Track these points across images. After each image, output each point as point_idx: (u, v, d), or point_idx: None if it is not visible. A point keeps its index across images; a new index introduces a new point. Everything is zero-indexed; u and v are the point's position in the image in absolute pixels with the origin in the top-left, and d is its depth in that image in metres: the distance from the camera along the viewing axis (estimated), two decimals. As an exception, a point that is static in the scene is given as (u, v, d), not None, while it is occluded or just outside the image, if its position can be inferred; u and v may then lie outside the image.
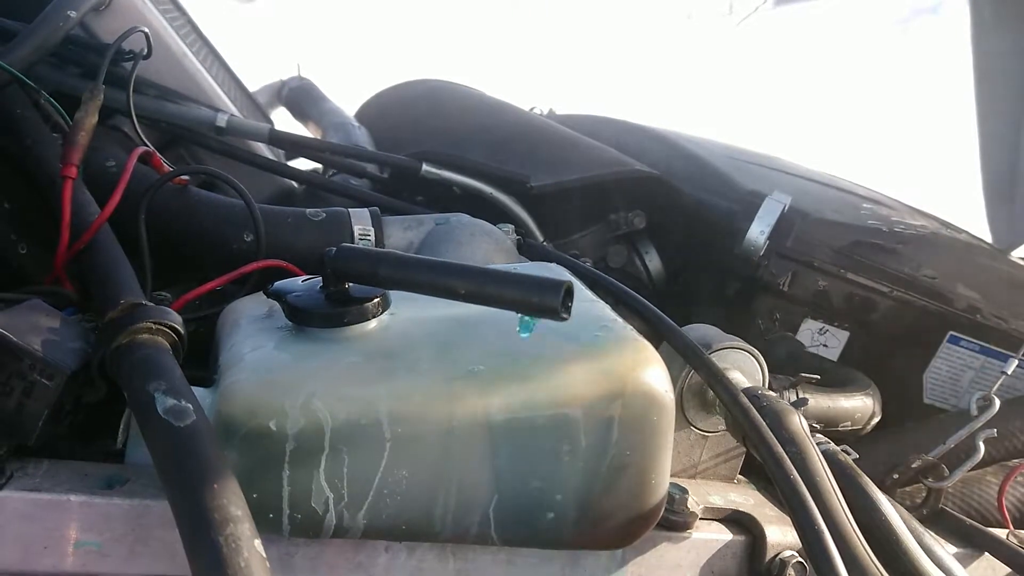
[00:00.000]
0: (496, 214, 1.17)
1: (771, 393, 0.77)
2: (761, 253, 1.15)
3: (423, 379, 0.61)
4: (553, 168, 1.26)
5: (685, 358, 0.80)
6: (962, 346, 1.29)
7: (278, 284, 0.70)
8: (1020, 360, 1.14)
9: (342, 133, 1.48)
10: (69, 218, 0.73)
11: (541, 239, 1.19)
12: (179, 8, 1.36)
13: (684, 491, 0.77)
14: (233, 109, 1.16)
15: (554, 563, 0.71)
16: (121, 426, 0.63)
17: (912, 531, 0.76)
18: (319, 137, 1.70)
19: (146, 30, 1.00)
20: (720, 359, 0.83)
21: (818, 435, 0.79)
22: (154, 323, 0.60)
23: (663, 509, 0.71)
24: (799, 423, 0.73)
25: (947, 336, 1.28)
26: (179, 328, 0.62)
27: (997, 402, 0.95)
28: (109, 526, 0.60)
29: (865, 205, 1.39)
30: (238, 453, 0.57)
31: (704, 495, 0.81)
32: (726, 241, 1.18)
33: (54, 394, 0.59)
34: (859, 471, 0.75)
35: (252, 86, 1.73)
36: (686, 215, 1.28)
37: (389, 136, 1.63)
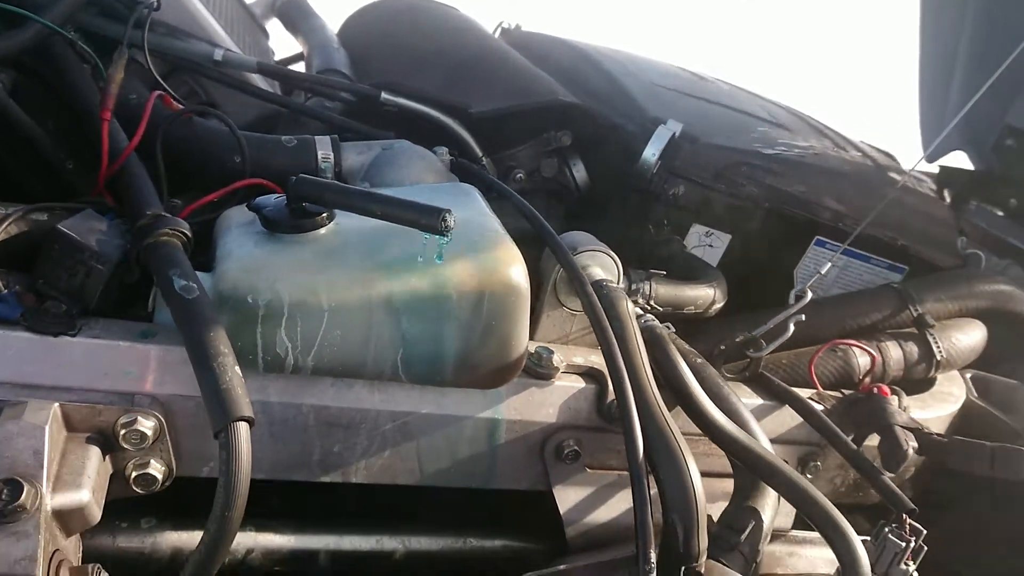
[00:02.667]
0: (444, 136, 1.44)
1: (614, 284, 1.07)
2: (654, 171, 1.43)
3: (350, 271, 0.91)
4: (493, 94, 1.51)
5: (556, 256, 1.09)
6: (827, 248, 1.58)
7: (257, 200, 0.98)
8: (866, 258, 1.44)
9: (323, 56, 1.72)
10: (107, 147, 1.02)
11: (480, 154, 1.46)
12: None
13: (551, 351, 1.08)
14: (230, 43, 1.42)
15: (451, 396, 1.02)
16: (151, 298, 0.93)
17: (712, 383, 1.07)
18: (305, 52, 1.95)
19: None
20: (589, 259, 1.13)
21: (647, 316, 1.09)
22: (171, 229, 0.90)
23: (525, 362, 1.02)
24: (625, 305, 1.03)
25: (814, 240, 1.57)
26: (187, 232, 0.92)
27: (809, 294, 1.25)
28: (145, 362, 0.91)
29: (760, 128, 1.65)
30: (227, 317, 0.87)
31: (570, 356, 1.12)
32: (628, 160, 1.45)
33: (106, 275, 0.90)
34: (668, 340, 1.05)
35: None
36: (600, 136, 1.54)
37: (366, 53, 1.87)
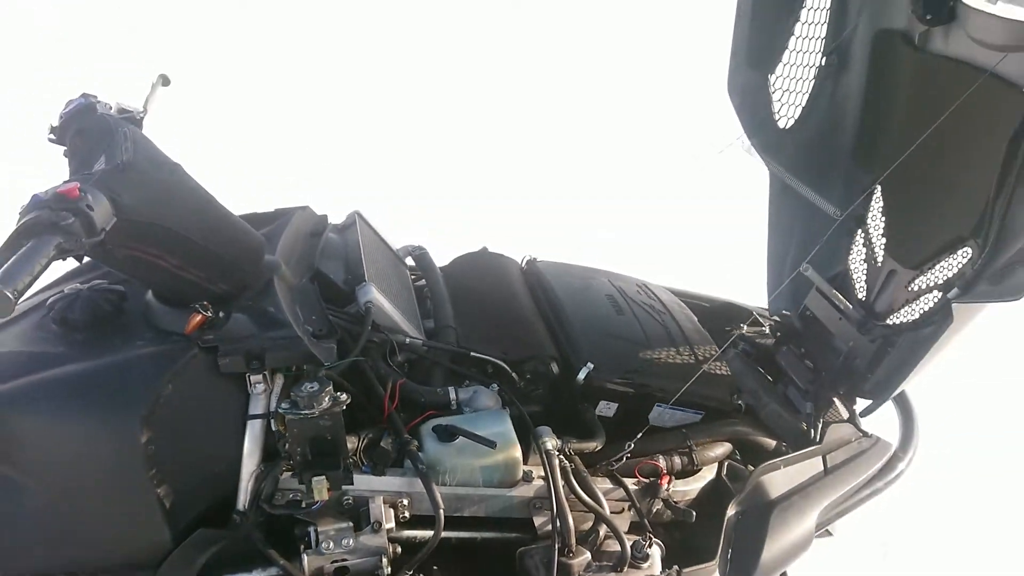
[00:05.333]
0: (499, 369, 3.51)
1: (554, 453, 3.11)
2: (580, 384, 3.47)
3: (466, 458, 3.00)
4: (520, 345, 3.58)
5: (535, 442, 3.15)
6: (662, 407, 3.62)
7: (434, 426, 3.07)
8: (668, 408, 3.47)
9: (441, 313, 3.80)
10: (387, 411, 3.11)
11: (516, 379, 3.51)
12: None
13: (531, 472, 3.15)
14: (408, 328, 3.49)
15: (496, 491, 3.11)
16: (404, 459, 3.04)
17: (587, 484, 3.13)
18: (428, 292, 4.04)
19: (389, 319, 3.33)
20: (547, 440, 3.17)
21: (564, 461, 3.14)
22: (412, 447, 2.98)
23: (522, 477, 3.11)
24: (556, 460, 3.07)
25: (656, 403, 3.60)
26: (418, 444, 3.00)
27: (630, 450, 3.28)
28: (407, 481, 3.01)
29: (639, 354, 3.67)
30: (432, 472, 2.96)
31: (538, 471, 3.19)
32: (570, 370, 3.51)
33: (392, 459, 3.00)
34: (569, 471, 3.10)
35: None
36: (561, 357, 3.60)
37: (459, 290, 3.97)
